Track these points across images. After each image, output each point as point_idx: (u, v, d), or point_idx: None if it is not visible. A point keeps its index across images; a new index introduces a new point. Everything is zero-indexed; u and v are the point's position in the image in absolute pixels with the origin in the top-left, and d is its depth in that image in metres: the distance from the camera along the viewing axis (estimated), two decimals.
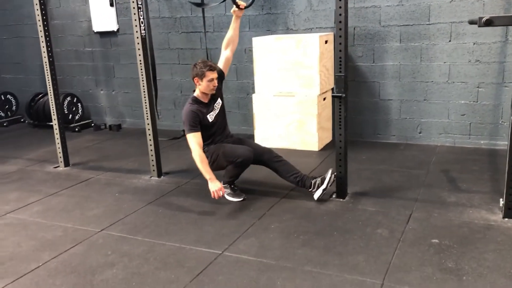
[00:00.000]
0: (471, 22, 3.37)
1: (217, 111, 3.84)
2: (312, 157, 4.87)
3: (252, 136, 5.42)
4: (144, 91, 4.35)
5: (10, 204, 4.01)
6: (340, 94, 3.53)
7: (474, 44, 4.68)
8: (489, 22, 3.24)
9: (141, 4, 4.20)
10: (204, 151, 3.70)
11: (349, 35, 5.14)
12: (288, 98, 5.08)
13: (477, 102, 4.81)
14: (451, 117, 4.95)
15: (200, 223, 3.46)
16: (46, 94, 6.70)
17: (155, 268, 2.86)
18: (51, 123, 6.34)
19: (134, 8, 4.17)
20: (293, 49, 4.96)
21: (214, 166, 3.75)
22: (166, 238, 3.24)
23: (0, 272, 2.91)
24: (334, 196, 3.78)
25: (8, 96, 7.36)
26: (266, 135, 5.30)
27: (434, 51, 4.85)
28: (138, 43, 4.25)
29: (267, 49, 5.10)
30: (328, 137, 5.33)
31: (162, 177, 4.51)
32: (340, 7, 3.40)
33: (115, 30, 6.44)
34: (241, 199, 3.82)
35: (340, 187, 3.75)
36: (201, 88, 3.72)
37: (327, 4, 5.14)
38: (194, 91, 3.83)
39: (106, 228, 3.45)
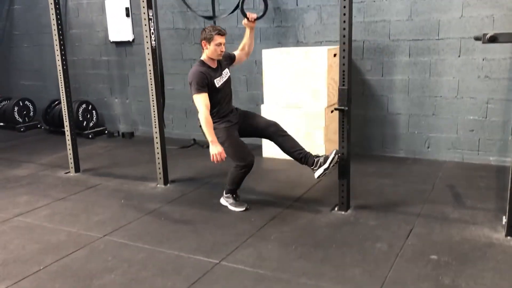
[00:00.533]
0: (477, 39, 3.37)
1: (224, 78, 3.82)
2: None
3: (259, 147, 5.46)
4: (153, 100, 4.44)
5: (19, 208, 4.11)
6: (343, 107, 3.55)
7: (483, 60, 4.66)
8: (493, 39, 3.23)
9: (152, 15, 4.30)
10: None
11: (358, 49, 5.17)
12: (296, 110, 5.12)
13: (486, 118, 4.77)
14: (459, 132, 4.91)
15: (201, 231, 3.50)
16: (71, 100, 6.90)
17: (153, 275, 2.90)
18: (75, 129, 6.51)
19: (145, 19, 4.27)
20: (301, 61, 5.00)
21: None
22: (166, 245, 3.29)
23: (3, 273, 2.99)
24: (336, 208, 3.79)
25: (26, 102, 7.55)
26: (273, 146, 5.30)
27: (443, 66, 4.84)
28: (148, 53, 4.34)
29: (276, 61, 5.15)
30: None
31: (168, 185, 4.58)
32: (344, 21, 3.44)
33: (131, 40, 6.58)
34: (243, 208, 3.85)
35: (343, 200, 3.75)
36: (209, 52, 3.71)
37: (337, 18, 5.14)
38: (201, 56, 3.83)
39: (108, 234, 3.51)
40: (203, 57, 3.78)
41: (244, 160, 3.70)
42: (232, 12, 5.02)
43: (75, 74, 7.24)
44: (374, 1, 5.00)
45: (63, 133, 5.13)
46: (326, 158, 3.68)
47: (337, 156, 3.66)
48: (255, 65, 5.75)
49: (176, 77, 6.33)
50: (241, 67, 5.85)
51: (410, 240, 3.22)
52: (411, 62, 4.97)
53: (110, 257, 3.16)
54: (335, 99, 5.17)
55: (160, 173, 4.56)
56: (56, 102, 7.09)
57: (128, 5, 6.46)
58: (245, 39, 3.99)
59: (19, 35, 7.69)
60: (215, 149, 3.54)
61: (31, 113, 7.62)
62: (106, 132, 6.92)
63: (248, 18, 3.86)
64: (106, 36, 6.78)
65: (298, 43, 5.49)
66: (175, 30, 6.24)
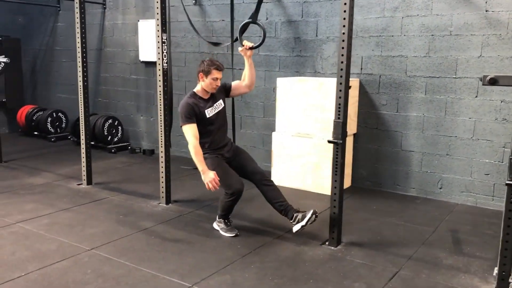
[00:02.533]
0: (481, 79, 3.28)
1: (217, 109, 3.86)
2: (324, 201, 4.79)
3: (269, 174, 5.46)
4: (160, 120, 4.54)
5: (23, 214, 4.28)
6: (337, 141, 3.51)
7: (501, 102, 4.48)
8: (493, 81, 3.13)
9: (166, 39, 4.44)
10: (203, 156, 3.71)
11: (375, 83, 5.11)
12: (306, 139, 5.09)
13: (502, 162, 4.56)
14: (474, 175, 4.71)
15: (184, 253, 3.51)
16: (92, 114, 7.20)
17: None
18: (92, 143, 6.78)
19: (158, 42, 4.42)
20: (314, 91, 4.99)
21: None
22: (146, 264, 3.32)
23: None
24: (327, 243, 3.70)
25: (59, 114, 7.92)
26: (282, 174, 5.31)
27: (459, 105, 4.69)
28: (159, 75, 4.47)
29: (290, 90, 5.17)
30: (346, 182, 5.22)
31: (170, 204, 4.63)
32: (342, 55, 3.42)
33: None
34: (233, 234, 3.84)
35: (333, 235, 3.67)
36: (204, 84, 3.78)
37: (355, 50, 5.15)
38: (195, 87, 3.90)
39: (96, 248, 3.58)
40: (197, 88, 3.86)
41: (230, 188, 3.71)
42: (235, 40, 5.10)
43: (106, 90, 7.56)
44: (392, 36, 4.94)
45: (90, 145, 5.33)
46: (304, 216, 3.68)
47: (314, 215, 3.67)
48: (273, 92, 5.79)
49: None
50: (258, 94, 5.93)
51: (392, 283, 3.09)
52: (427, 100, 4.85)
53: (90, 270, 3.22)
54: (348, 131, 5.11)
55: (163, 192, 4.63)
56: None
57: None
58: (245, 69, 4.00)
59: (60, 51, 8.12)
60: (208, 177, 3.59)
61: (63, 125, 7.97)
62: (129, 148, 7.12)
63: (243, 45, 3.87)
64: (137, 55, 7.04)
65: (315, 73, 5.49)
66: (200, 54, 6.39)
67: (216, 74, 3.74)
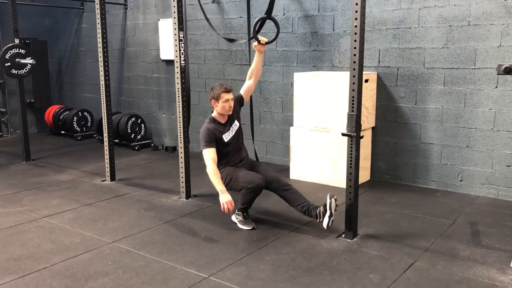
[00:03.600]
0: (497, 69, 3.25)
1: (233, 132, 4.01)
2: (342, 195, 4.73)
3: (287, 168, 5.50)
4: (179, 116, 4.64)
5: (49, 209, 4.44)
6: (351, 133, 3.52)
7: None
8: (509, 70, 3.10)
9: (183, 37, 4.53)
10: (220, 171, 3.86)
11: (392, 75, 5.08)
12: (324, 133, 5.11)
13: None
14: (495, 167, 4.65)
15: (202, 246, 3.59)
16: (116, 113, 7.38)
17: (142, 283, 3.03)
18: (116, 140, 6.94)
19: (176, 40, 4.51)
20: (331, 85, 5.00)
21: (228, 187, 3.86)
22: (164, 256, 3.41)
23: (14, 267, 3.26)
24: (343, 235, 3.73)
25: (85, 113, 8.13)
26: (300, 168, 5.35)
27: (479, 96, 4.63)
28: (177, 72, 4.57)
29: (307, 85, 5.19)
30: (364, 176, 5.24)
31: (190, 198, 4.73)
32: (355, 48, 3.43)
33: None
34: (250, 227, 3.90)
35: (349, 227, 3.69)
36: (218, 109, 3.93)
37: (372, 43, 5.14)
38: (212, 112, 4.04)
39: (117, 241, 3.70)
40: (214, 113, 4.00)
41: (251, 182, 3.79)
42: (251, 38, 5.13)
43: (129, 89, 7.73)
44: (410, 28, 4.91)
45: (114, 143, 5.48)
46: (325, 206, 3.72)
47: (333, 199, 3.71)
48: (291, 88, 5.82)
49: None
50: (277, 89, 5.97)
51: (406, 274, 3.10)
52: (446, 91, 4.80)
53: (111, 262, 3.33)
54: (366, 125, 5.11)
55: (183, 187, 4.73)
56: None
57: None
58: (253, 64, 4.08)
59: (84, 51, 8.34)
60: (225, 198, 3.68)
61: (89, 124, 8.18)
62: (152, 145, 7.26)
63: (259, 41, 3.94)
64: (158, 54, 7.17)
65: (333, 67, 5.50)
66: (219, 51, 6.47)
67: (225, 96, 3.87)
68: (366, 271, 3.15)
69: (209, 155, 3.83)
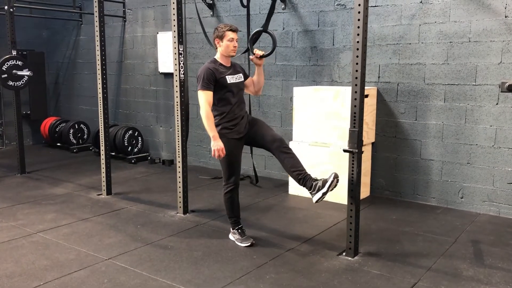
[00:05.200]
0: (499, 86, 3.22)
1: (238, 79, 3.78)
2: (341, 211, 4.74)
3: (286, 183, 5.45)
4: (178, 130, 4.58)
5: (44, 224, 4.35)
6: (352, 149, 3.48)
7: None
8: None
9: (182, 50, 4.49)
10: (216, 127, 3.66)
11: (393, 91, 5.06)
12: (323, 148, 5.06)
13: None
14: (496, 184, 4.61)
15: (200, 263, 3.51)
16: (113, 126, 7.31)
17: None
18: (113, 153, 6.86)
19: (175, 53, 4.47)
20: (331, 100, 4.97)
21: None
22: (162, 274, 3.33)
23: (6, 285, 3.17)
24: (344, 254, 3.66)
25: (81, 125, 8.06)
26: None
27: (479, 113, 4.60)
28: (176, 86, 4.52)
29: (307, 99, 5.16)
30: (364, 192, 5.18)
31: (187, 214, 4.66)
32: (356, 63, 3.40)
33: None
34: (249, 243, 3.83)
35: (350, 246, 3.62)
36: (222, 49, 3.72)
37: (372, 59, 5.12)
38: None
39: (113, 258, 3.62)
40: (217, 55, 3.79)
41: (227, 180, 3.75)
42: (246, 51, 5.12)
43: (127, 102, 7.68)
44: (410, 44, 4.90)
45: (110, 156, 5.41)
46: (324, 182, 3.55)
47: (336, 179, 3.56)
48: (290, 102, 5.78)
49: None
50: (276, 103, 5.93)
51: None
52: (446, 107, 4.77)
53: (106, 280, 3.25)
54: (365, 140, 5.06)
55: (180, 202, 4.65)
56: None
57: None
58: (254, 76, 3.98)
59: (82, 63, 8.30)
60: (216, 145, 3.56)
61: (85, 136, 8.11)
62: (149, 158, 7.19)
63: (254, 54, 3.86)
64: (156, 67, 7.14)
65: (332, 82, 5.47)
66: None
67: (231, 35, 3.68)
68: None
69: (205, 97, 3.59)
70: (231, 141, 3.74)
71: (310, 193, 3.62)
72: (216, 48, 3.79)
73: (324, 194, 3.55)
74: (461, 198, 4.81)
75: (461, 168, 4.78)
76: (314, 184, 3.58)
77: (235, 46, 3.71)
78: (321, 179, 3.59)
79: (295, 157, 3.74)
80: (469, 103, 4.66)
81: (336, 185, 3.59)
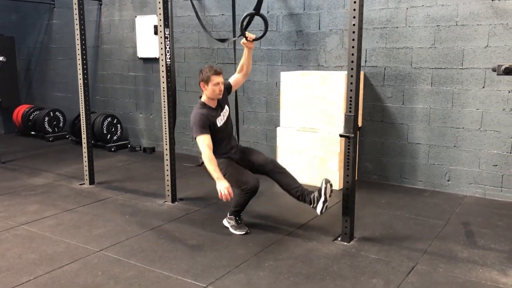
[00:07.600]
0: (494, 70, 3.23)
1: (224, 118, 3.84)
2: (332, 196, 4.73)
3: None
4: (165, 117, 4.46)
5: (26, 216, 4.18)
6: (348, 134, 3.44)
7: (509, 92, 4.44)
8: (508, 71, 3.09)
9: (169, 34, 4.35)
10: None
11: (379, 75, 5.05)
12: (311, 133, 5.02)
13: (510, 153, 4.52)
14: (482, 166, 4.68)
15: (195, 253, 3.44)
16: (91, 113, 7.07)
17: None
18: (92, 142, 6.65)
19: (161, 37, 4.33)
20: (318, 85, 4.93)
21: None
22: (158, 264, 3.25)
23: None
24: (339, 239, 3.65)
25: (56, 113, 7.79)
26: (288, 169, 5.23)
27: (466, 96, 4.64)
28: (162, 71, 4.38)
29: (294, 84, 5.10)
30: None
31: (176, 202, 4.56)
32: (353, 47, 3.35)
33: (157, 57, 6.68)
34: (243, 232, 3.77)
35: (346, 230, 3.61)
36: (208, 93, 3.74)
37: None
38: (200, 97, 3.85)
39: (104, 249, 3.50)
40: (203, 98, 3.81)
41: (247, 184, 3.64)
42: (240, 35, 5.01)
43: (104, 88, 7.45)
44: (397, 27, 4.88)
45: (91, 144, 5.23)
46: (319, 191, 3.62)
47: (328, 184, 3.61)
48: (275, 87, 5.71)
49: (198, 95, 6.35)
50: (261, 88, 5.85)
51: (410, 278, 3.04)
52: (433, 91, 4.80)
53: (100, 272, 3.14)
54: None
55: (168, 190, 4.55)
56: None
57: (157, 23, 6.57)
58: (243, 59, 3.94)
59: (55, 49, 7.99)
60: (222, 185, 3.50)
61: (61, 124, 7.85)
62: (129, 146, 7.02)
63: (247, 38, 3.81)
64: (135, 52, 6.93)
65: (319, 67, 5.42)
66: (200, 49, 6.30)
67: (216, 79, 3.68)
68: (369, 276, 3.08)
69: (204, 141, 3.61)
70: (226, 160, 3.77)
71: (312, 207, 3.67)
72: (202, 91, 3.80)
73: (325, 202, 3.61)
74: (448, 181, 4.87)
75: (448, 151, 4.83)
76: (312, 197, 3.66)
77: (220, 90, 3.74)
78: (316, 191, 3.65)
79: (289, 174, 3.83)
80: (456, 86, 4.69)
81: (331, 189, 3.65)
